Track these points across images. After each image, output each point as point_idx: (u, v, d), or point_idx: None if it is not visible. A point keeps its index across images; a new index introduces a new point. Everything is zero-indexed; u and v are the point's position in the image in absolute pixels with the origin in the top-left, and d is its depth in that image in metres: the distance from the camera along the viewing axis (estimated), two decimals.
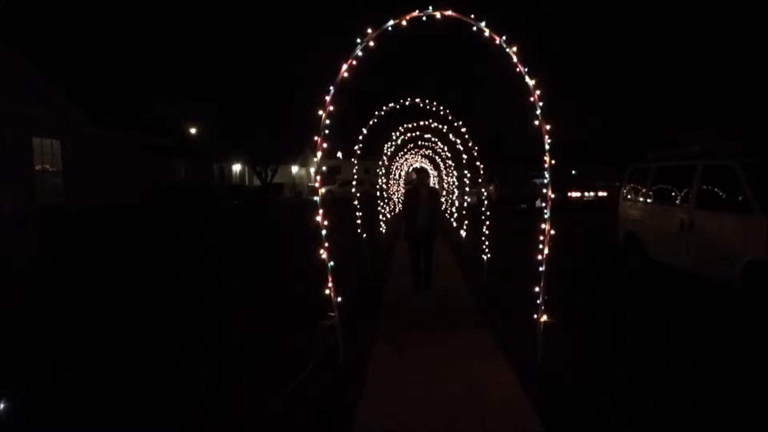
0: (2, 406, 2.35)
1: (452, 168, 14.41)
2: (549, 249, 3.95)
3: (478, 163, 8.12)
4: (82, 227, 14.46)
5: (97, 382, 4.04)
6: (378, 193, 11.14)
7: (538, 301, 3.99)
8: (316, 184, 3.92)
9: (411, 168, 21.78)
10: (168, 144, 22.97)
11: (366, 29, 3.68)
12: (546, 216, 3.91)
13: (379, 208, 10.92)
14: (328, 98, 3.74)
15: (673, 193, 7.02)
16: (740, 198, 5.56)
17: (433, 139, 12.76)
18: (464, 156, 9.61)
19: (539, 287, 3.99)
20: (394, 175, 18.16)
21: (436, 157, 16.15)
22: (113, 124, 19.37)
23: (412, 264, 6.67)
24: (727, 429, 3.20)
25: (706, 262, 6.10)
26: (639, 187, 8.10)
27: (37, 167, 16.77)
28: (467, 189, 10.54)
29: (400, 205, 15.82)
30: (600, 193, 20.97)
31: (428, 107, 7.22)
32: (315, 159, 3.89)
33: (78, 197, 16.86)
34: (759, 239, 5.26)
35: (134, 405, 3.66)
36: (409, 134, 11.22)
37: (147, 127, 21.99)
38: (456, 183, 13.70)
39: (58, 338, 5.14)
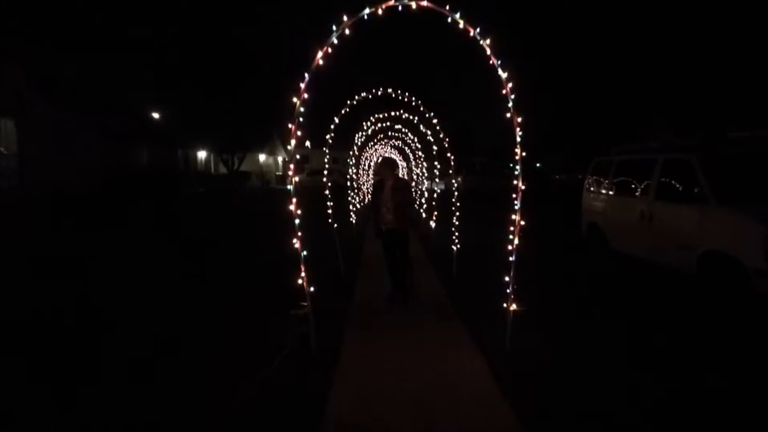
0: None
1: (422, 159, 14.49)
2: (518, 239, 4.05)
3: (448, 154, 8.19)
4: (40, 212, 13.81)
5: (64, 369, 3.91)
6: (348, 183, 11.11)
7: (508, 290, 4.09)
8: (290, 173, 3.88)
9: (380, 158, 21.74)
10: (131, 129, 22.15)
11: (341, 16, 3.65)
12: (516, 207, 4.00)
13: (349, 198, 10.90)
14: (303, 85, 3.69)
15: (634, 186, 7.29)
16: (697, 190, 5.84)
17: (403, 129, 12.79)
18: (434, 147, 9.67)
19: (509, 276, 4.09)
20: (364, 165, 18.12)
21: (406, 148, 16.19)
22: (73, 107, 18.48)
23: (386, 267, 5.92)
24: (698, 411, 3.38)
25: (665, 252, 6.39)
26: (602, 179, 8.37)
27: None
28: (437, 180, 10.63)
29: (369, 197, 15.66)
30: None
31: (399, 98, 7.21)
32: (289, 147, 3.84)
33: (34, 181, 16.10)
34: (713, 230, 5.55)
35: (102, 391, 3.56)
36: (379, 124, 11.21)
37: (109, 111, 21.12)
38: (426, 174, 13.79)
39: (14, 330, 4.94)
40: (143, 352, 4.37)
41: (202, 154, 35.33)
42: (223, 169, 34.21)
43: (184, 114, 27.73)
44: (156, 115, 28.77)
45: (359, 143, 11.68)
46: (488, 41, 3.75)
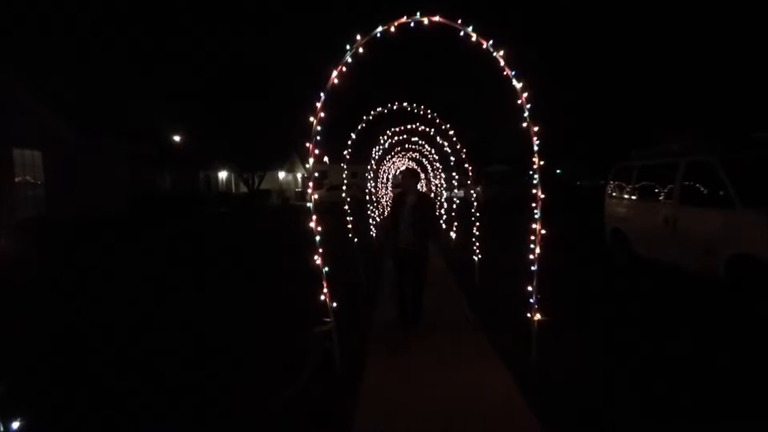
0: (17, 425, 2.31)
1: (440, 170, 14.49)
2: (540, 248, 4.02)
3: (466, 165, 8.20)
4: (65, 239, 14.24)
5: (94, 388, 4.00)
6: (367, 197, 11.18)
7: (532, 300, 4.05)
8: (309, 191, 3.94)
9: (398, 171, 21.81)
10: (153, 153, 22.73)
11: (354, 35, 3.72)
12: (537, 216, 3.98)
13: (368, 212, 10.95)
14: (319, 105, 3.76)
15: (657, 190, 7.17)
16: (721, 193, 5.72)
17: (420, 142, 12.84)
18: (452, 158, 9.68)
19: (532, 286, 4.05)
20: (382, 178, 18.21)
21: (424, 160, 16.23)
22: (96, 134, 19.07)
23: (393, 289, 5.38)
24: (725, 422, 3.28)
25: (690, 257, 6.25)
26: (624, 184, 8.26)
27: (18, 179, 16.55)
28: (455, 191, 10.63)
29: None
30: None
31: (416, 111, 7.27)
32: (307, 165, 3.91)
33: (61, 208, 16.62)
34: (741, 233, 5.41)
35: (133, 409, 3.63)
36: (396, 137, 11.27)
37: (131, 136, 21.75)
38: (444, 185, 13.80)
39: (46, 348, 5.07)
40: (166, 369, 4.44)
41: (223, 174, 35.98)
42: (243, 188, 34.73)
43: (204, 135, 28.33)
44: (177, 138, 29.46)
45: (377, 157, 11.75)
46: (501, 53, 3.78)
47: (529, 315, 4.10)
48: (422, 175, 19.41)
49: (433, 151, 13.33)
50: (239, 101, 26.89)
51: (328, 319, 4.06)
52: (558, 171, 43.84)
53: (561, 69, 30.56)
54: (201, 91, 27.90)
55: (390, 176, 19.90)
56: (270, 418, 3.47)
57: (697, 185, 6.30)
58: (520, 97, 3.84)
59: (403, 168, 12.16)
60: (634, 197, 7.86)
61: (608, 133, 28.97)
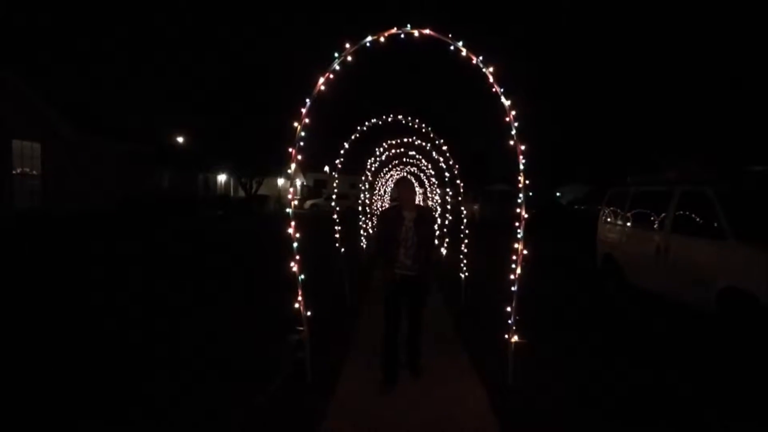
0: None
1: (435, 186, 14.46)
2: (525, 270, 3.95)
3: (458, 182, 8.15)
4: (59, 232, 14.19)
5: (63, 398, 3.90)
6: (360, 208, 11.12)
7: (510, 321, 3.97)
8: (289, 196, 3.88)
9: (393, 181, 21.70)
10: (152, 153, 22.78)
11: (344, 44, 3.69)
12: (519, 236, 3.91)
13: (361, 224, 10.89)
14: (303, 110, 3.72)
15: (650, 218, 7.11)
16: (715, 224, 5.64)
17: (417, 156, 12.80)
18: (446, 174, 9.65)
19: (511, 307, 3.97)
20: (379, 191, 18.17)
21: (421, 175, 16.20)
22: (96, 131, 19.19)
23: (385, 334, 4.18)
24: None
25: (682, 287, 6.15)
26: (617, 210, 8.19)
27: (17, 170, 16.58)
28: (449, 207, 10.58)
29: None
30: None
31: (411, 125, 7.24)
32: (289, 171, 3.86)
33: (55, 201, 16.63)
34: (733, 265, 5.33)
35: (96, 419, 3.52)
36: (393, 150, 11.25)
37: (130, 136, 21.83)
38: (439, 201, 13.75)
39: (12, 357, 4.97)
40: (131, 375, 4.34)
41: (222, 178, 36.03)
42: (242, 193, 34.74)
43: (206, 138, 28.42)
44: (179, 139, 29.55)
45: (373, 169, 11.71)
46: (491, 69, 3.74)
47: (507, 336, 4.01)
48: (420, 190, 19.33)
49: (429, 166, 13.30)
50: (241, 107, 27.02)
51: (301, 328, 3.98)
52: (558, 194, 43.77)
53: (563, 95, 30.70)
54: (203, 94, 28.07)
55: (388, 188, 19.85)
56: (236, 427, 3.37)
57: (691, 215, 6.23)
58: (508, 115, 3.79)
59: (399, 177, 11.89)
60: (627, 224, 7.80)
61: (607, 158, 29.00)
